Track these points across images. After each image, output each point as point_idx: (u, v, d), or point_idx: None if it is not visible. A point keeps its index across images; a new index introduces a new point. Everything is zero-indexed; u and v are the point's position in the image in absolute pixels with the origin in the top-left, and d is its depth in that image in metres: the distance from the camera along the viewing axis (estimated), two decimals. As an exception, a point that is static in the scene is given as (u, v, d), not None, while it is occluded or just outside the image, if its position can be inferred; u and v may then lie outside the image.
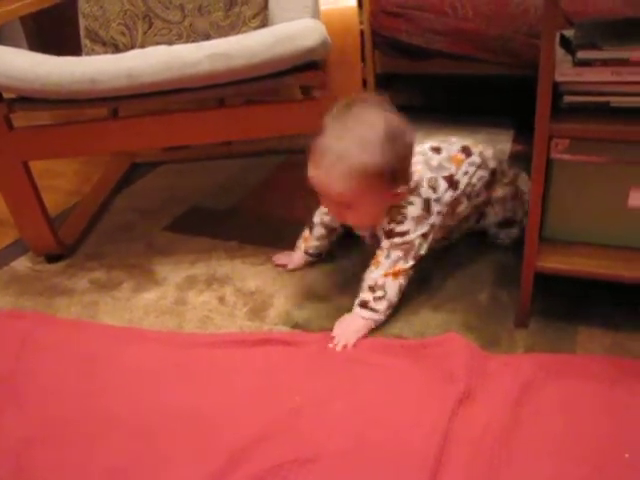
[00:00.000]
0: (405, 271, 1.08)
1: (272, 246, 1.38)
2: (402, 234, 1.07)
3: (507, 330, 1.07)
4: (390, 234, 1.08)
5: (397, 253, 1.07)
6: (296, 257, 1.29)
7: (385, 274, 1.07)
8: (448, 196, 1.11)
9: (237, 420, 0.93)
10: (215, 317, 1.17)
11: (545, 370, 0.96)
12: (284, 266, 1.29)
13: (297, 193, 1.62)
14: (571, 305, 1.11)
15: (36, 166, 1.33)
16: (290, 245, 1.33)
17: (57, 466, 0.89)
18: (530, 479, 0.80)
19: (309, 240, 1.27)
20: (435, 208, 1.09)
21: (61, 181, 1.88)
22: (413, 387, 0.96)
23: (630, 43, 0.86)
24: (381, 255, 1.09)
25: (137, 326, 1.17)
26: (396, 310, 1.12)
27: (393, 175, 1.02)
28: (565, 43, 0.98)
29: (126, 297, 1.27)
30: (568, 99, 0.92)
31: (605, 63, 0.87)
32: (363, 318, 1.07)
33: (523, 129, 1.84)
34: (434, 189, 1.10)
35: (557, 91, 0.91)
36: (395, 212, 1.08)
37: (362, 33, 1.71)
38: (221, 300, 1.22)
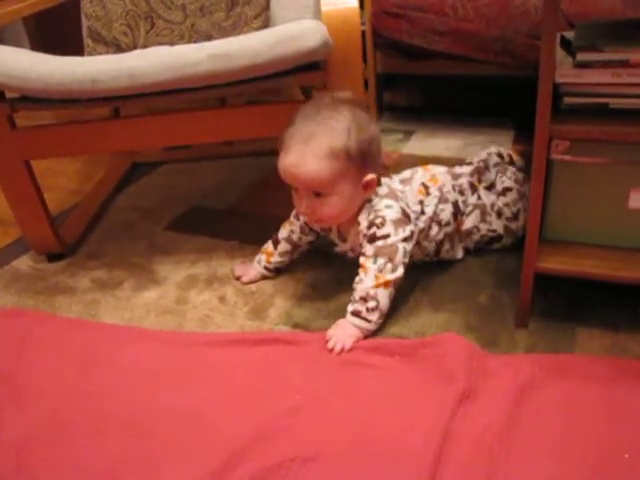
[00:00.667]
0: (394, 281, 1.07)
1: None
2: (384, 237, 1.07)
3: (507, 330, 1.07)
4: (372, 238, 1.08)
5: (383, 257, 1.07)
6: (253, 271, 1.27)
7: (376, 285, 1.06)
8: (425, 217, 1.16)
9: (237, 419, 0.93)
10: (216, 316, 1.18)
11: (545, 370, 0.96)
12: (239, 278, 1.28)
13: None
14: (571, 305, 1.11)
15: (37, 165, 1.33)
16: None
17: (56, 464, 0.89)
18: (529, 479, 0.80)
19: (272, 255, 1.26)
20: (413, 217, 1.13)
21: (62, 180, 1.89)
22: (413, 387, 0.96)
23: (630, 45, 0.87)
24: (367, 261, 1.08)
25: (138, 325, 1.18)
26: (396, 310, 1.13)
27: (362, 158, 1.04)
28: (565, 44, 0.98)
29: (127, 296, 1.27)
30: (568, 100, 0.92)
31: (605, 65, 0.87)
32: (356, 326, 1.07)
33: (523, 129, 1.85)
34: (407, 204, 1.13)
35: (557, 92, 0.92)
36: (374, 215, 1.08)
37: (363, 33, 1.71)
38: (222, 299, 1.23)
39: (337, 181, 1.03)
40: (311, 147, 1.01)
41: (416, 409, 0.92)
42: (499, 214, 1.25)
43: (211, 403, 0.97)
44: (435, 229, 1.19)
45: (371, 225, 1.08)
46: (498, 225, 1.26)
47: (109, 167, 1.88)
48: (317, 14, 1.42)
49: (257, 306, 1.20)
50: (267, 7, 1.47)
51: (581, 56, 0.88)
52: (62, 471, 0.88)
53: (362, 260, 1.09)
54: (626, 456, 0.81)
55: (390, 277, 1.06)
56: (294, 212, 1.24)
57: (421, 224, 1.15)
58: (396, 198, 1.11)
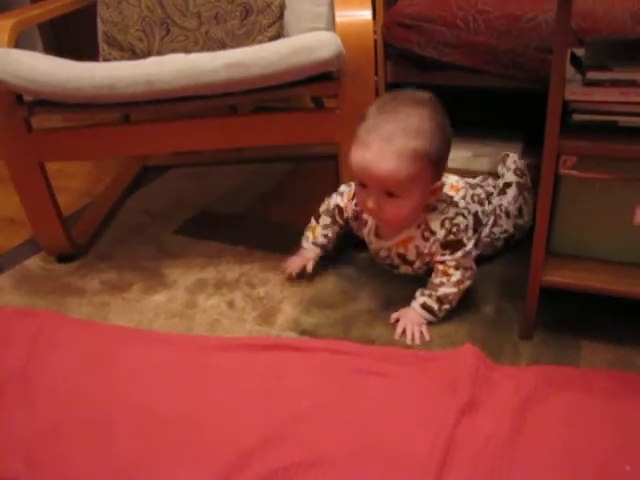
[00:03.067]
0: (468, 287, 1.14)
1: (281, 252, 1.39)
2: (460, 244, 1.11)
3: (511, 342, 1.08)
4: (447, 245, 1.11)
5: (465, 265, 1.12)
6: (299, 257, 1.29)
7: (458, 291, 1.12)
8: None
9: (244, 423, 0.94)
10: (224, 321, 1.19)
11: (548, 382, 0.97)
12: (290, 274, 1.28)
13: (307, 200, 1.64)
14: (575, 318, 1.12)
15: (49, 167, 1.35)
16: (297, 251, 1.35)
17: (65, 463, 0.90)
18: (531, 489, 0.81)
19: (316, 229, 1.28)
20: (482, 217, 1.19)
21: (73, 182, 1.91)
22: (418, 396, 0.97)
23: (638, 65, 0.88)
24: (449, 268, 1.11)
25: (147, 328, 1.19)
26: (402, 319, 1.14)
27: (437, 165, 1.05)
28: (575, 61, 1.00)
29: (136, 299, 1.29)
30: (577, 117, 0.94)
31: (614, 84, 0.89)
32: (424, 317, 1.13)
33: (532, 142, 1.86)
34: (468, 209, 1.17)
35: (566, 109, 0.93)
36: (449, 225, 1.10)
37: (374, 44, 1.73)
38: (230, 304, 1.24)
39: (412, 183, 1.03)
40: (395, 146, 1.00)
41: (421, 418, 0.93)
42: (507, 214, 1.28)
43: (218, 407, 0.98)
44: None
45: (448, 234, 1.11)
46: (509, 225, 1.28)
47: (119, 170, 1.90)
48: (330, 24, 1.43)
49: (265, 312, 1.21)
50: (281, 16, 1.49)
51: (591, 75, 0.90)
52: (71, 470, 0.89)
53: (442, 267, 1.12)
54: (627, 468, 0.82)
55: (469, 283, 1.13)
56: (336, 198, 1.26)
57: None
58: (466, 207, 1.15)
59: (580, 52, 1.01)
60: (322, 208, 1.29)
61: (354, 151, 1.04)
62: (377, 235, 1.20)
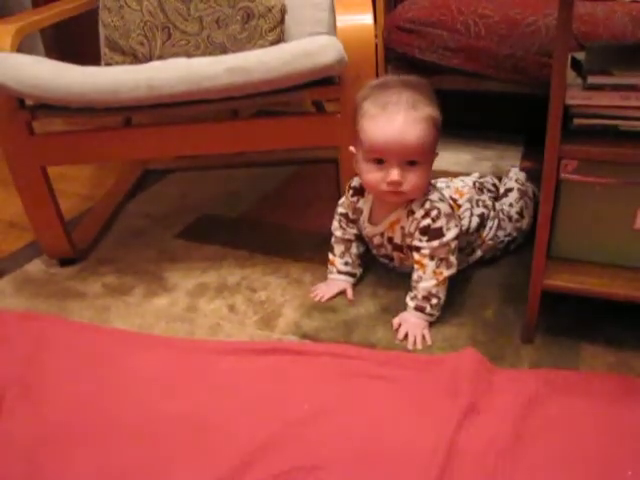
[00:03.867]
0: (448, 277, 1.14)
1: (282, 256, 1.40)
2: (438, 235, 1.11)
3: (513, 345, 1.08)
4: (425, 231, 1.12)
5: (439, 256, 1.12)
6: (333, 285, 1.27)
7: (437, 284, 1.12)
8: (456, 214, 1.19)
9: (245, 427, 0.94)
10: (225, 325, 1.19)
11: (549, 386, 0.98)
12: (321, 298, 1.25)
13: (308, 204, 1.64)
14: (576, 322, 1.12)
15: (51, 171, 1.35)
16: (300, 255, 1.38)
17: (66, 467, 0.90)
18: (533, 493, 0.82)
19: (335, 262, 1.28)
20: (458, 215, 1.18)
21: (75, 186, 1.91)
22: (420, 400, 0.97)
23: (638, 69, 0.89)
24: (424, 259, 1.13)
25: (148, 331, 1.19)
26: (404, 323, 1.14)
27: (439, 133, 1.09)
28: (576, 66, 1.00)
29: (137, 302, 1.29)
30: (578, 122, 0.94)
31: (614, 88, 0.89)
32: (423, 319, 1.14)
33: (532, 146, 1.86)
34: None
35: (567, 113, 0.93)
36: (429, 205, 1.11)
37: (375, 47, 1.73)
38: (231, 308, 1.24)
39: (432, 148, 1.07)
40: (419, 112, 1.03)
41: (422, 422, 0.93)
42: (509, 218, 1.31)
43: (220, 410, 0.98)
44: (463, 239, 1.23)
45: (426, 215, 1.11)
46: (511, 228, 1.31)
47: (121, 174, 1.91)
48: (331, 29, 1.44)
49: (266, 316, 1.21)
50: (282, 21, 1.49)
51: (591, 79, 0.90)
52: (72, 474, 0.89)
53: (418, 257, 1.14)
54: (629, 473, 0.82)
55: (447, 274, 1.13)
56: (337, 210, 1.27)
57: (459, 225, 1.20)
58: (442, 194, 1.16)
59: (581, 56, 1.01)
60: (332, 241, 1.29)
61: (373, 127, 1.05)
62: (370, 221, 1.21)
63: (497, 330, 1.12)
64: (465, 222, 1.22)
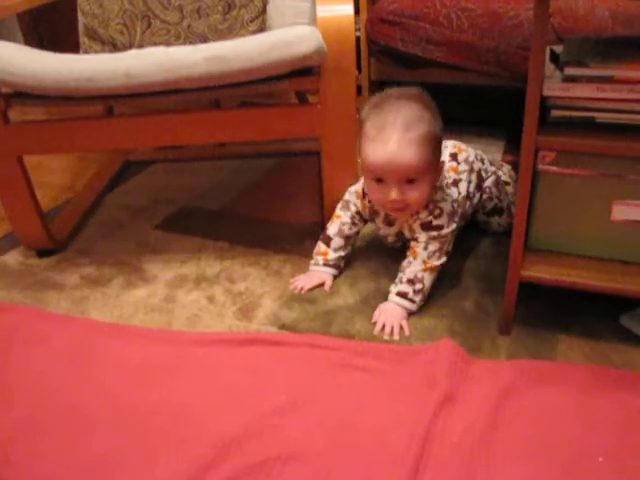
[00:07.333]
0: (438, 267, 1.16)
1: (262, 248, 1.40)
2: (438, 228, 1.14)
3: (490, 337, 1.09)
4: (427, 226, 1.15)
5: (434, 245, 1.15)
6: (316, 275, 1.26)
7: (424, 269, 1.14)
8: (461, 198, 1.23)
9: (223, 417, 0.94)
10: (204, 316, 1.19)
11: (525, 376, 0.98)
12: (302, 289, 1.24)
13: (289, 196, 1.64)
14: (553, 313, 1.13)
15: (29, 161, 1.33)
16: (280, 247, 1.37)
17: (44, 459, 0.90)
18: (507, 482, 0.82)
19: (327, 253, 1.27)
20: (457, 209, 1.20)
21: (54, 177, 1.89)
22: (396, 390, 0.98)
23: (615, 61, 0.89)
24: (418, 246, 1.16)
25: (126, 323, 1.19)
26: (382, 314, 1.14)
27: (439, 144, 1.11)
28: (554, 58, 1.00)
29: (116, 293, 1.28)
30: (555, 113, 0.94)
31: (591, 80, 0.89)
32: (401, 307, 1.14)
33: (514, 140, 1.87)
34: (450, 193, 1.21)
35: (545, 105, 0.94)
36: (433, 206, 1.15)
37: (358, 40, 1.73)
38: (210, 299, 1.24)
39: (430, 165, 1.08)
40: (413, 133, 1.04)
41: (399, 412, 0.93)
42: (506, 193, 1.37)
43: (197, 401, 0.98)
44: (467, 204, 1.26)
45: (429, 213, 1.15)
46: (505, 200, 1.35)
47: (101, 165, 1.89)
48: (312, 19, 1.43)
49: (245, 307, 1.21)
50: (264, 11, 1.48)
51: (568, 71, 0.90)
52: (49, 465, 0.89)
53: (413, 244, 1.17)
54: (600, 459, 0.83)
55: (437, 263, 1.16)
56: (339, 206, 1.28)
57: (460, 211, 1.22)
58: (446, 192, 1.19)
59: (559, 49, 1.01)
60: (331, 231, 1.27)
61: (370, 150, 1.07)
62: (385, 223, 1.24)
63: (475, 321, 1.13)
64: (463, 189, 1.24)
